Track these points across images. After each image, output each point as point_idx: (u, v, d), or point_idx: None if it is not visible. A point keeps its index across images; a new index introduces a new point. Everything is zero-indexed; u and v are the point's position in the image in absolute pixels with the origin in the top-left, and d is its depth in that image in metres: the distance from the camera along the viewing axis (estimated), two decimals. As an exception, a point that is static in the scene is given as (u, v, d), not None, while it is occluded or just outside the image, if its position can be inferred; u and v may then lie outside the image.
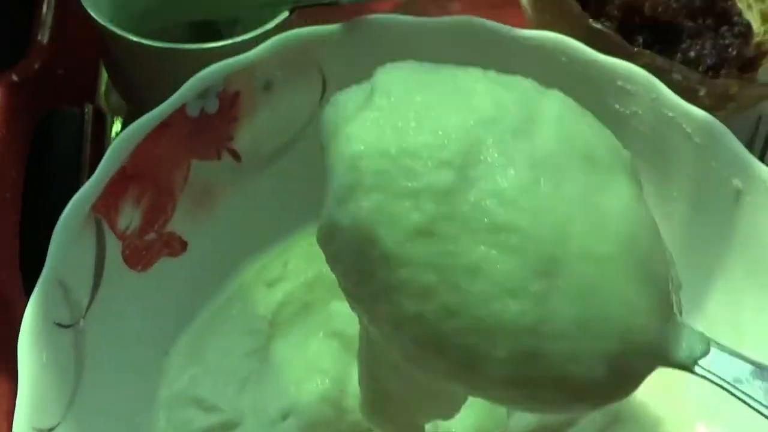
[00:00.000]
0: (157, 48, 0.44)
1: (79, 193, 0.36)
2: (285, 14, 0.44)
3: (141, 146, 0.38)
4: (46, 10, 0.50)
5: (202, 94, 0.39)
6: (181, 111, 0.39)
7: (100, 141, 0.49)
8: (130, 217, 0.38)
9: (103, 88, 0.52)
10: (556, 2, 0.49)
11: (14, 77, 0.46)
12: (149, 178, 0.39)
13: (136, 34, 0.49)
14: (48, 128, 0.48)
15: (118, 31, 0.44)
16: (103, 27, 0.44)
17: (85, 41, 0.51)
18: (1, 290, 0.41)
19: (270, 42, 0.40)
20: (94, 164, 0.48)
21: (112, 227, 0.38)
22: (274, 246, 0.43)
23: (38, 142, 0.46)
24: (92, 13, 0.45)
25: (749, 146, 0.45)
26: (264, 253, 0.43)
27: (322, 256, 0.30)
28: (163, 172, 0.39)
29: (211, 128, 0.40)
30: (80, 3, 0.45)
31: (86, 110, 0.50)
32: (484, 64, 0.42)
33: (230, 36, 0.50)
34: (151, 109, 0.47)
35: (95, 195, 0.37)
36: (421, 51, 0.42)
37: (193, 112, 0.39)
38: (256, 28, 0.48)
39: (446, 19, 0.42)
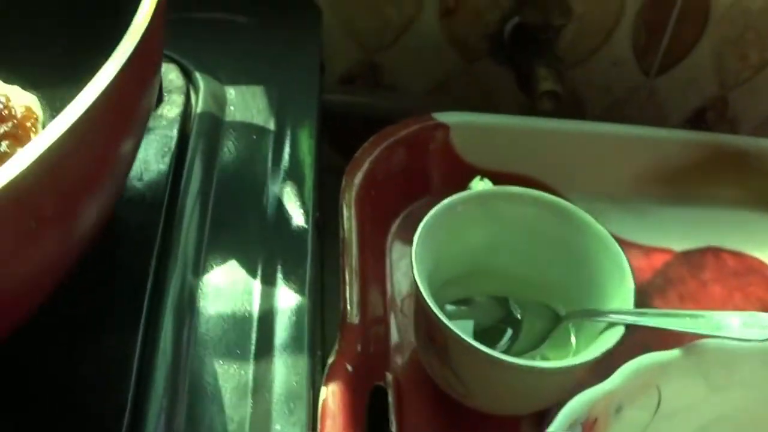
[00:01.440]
0: (491, 357, 0.47)
1: None
2: (622, 330, 0.47)
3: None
4: (350, 289, 0.53)
5: (572, 425, 0.43)
6: (558, 441, 0.43)
7: (400, 413, 0.52)
8: None
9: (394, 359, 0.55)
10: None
11: (349, 367, 0.49)
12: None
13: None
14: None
15: (461, 335, 0.47)
16: (446, 328, 0.47)
17: (380, 317, 0.55)
18: None
19: (625, 372, 0.45)
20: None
21: None
22: None
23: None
24: (434, 312, 0.48)
25: None
26: None
27: None
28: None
29: (574, 453, 0.44)
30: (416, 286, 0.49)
31: (388, 380, 0.53)
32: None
33: (522, 315, 0.54)
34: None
35: None
36: (742, 371, 0.47)
37: (564, 442, 0.43)
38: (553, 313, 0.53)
39: (759, 345, 0.47)
